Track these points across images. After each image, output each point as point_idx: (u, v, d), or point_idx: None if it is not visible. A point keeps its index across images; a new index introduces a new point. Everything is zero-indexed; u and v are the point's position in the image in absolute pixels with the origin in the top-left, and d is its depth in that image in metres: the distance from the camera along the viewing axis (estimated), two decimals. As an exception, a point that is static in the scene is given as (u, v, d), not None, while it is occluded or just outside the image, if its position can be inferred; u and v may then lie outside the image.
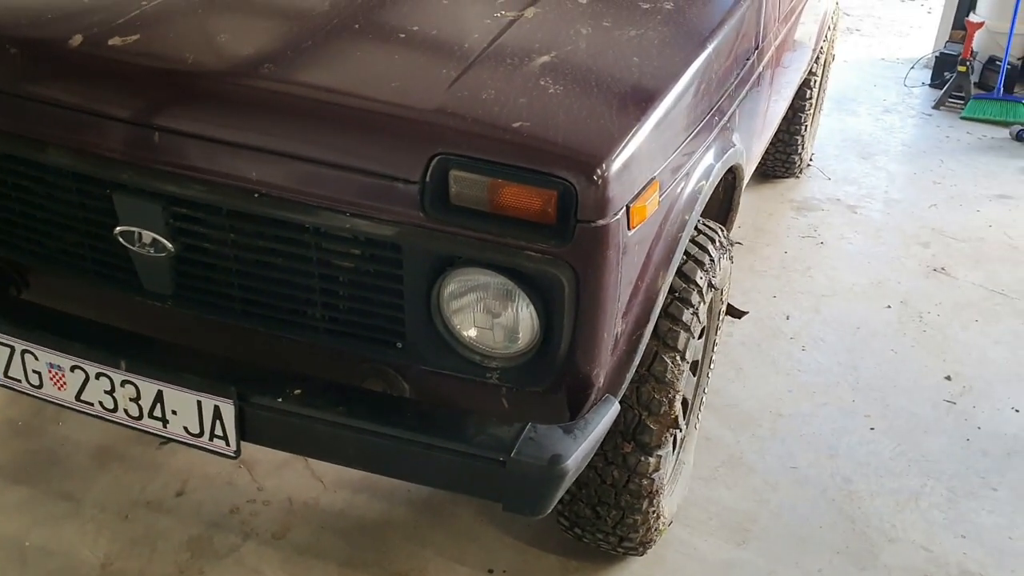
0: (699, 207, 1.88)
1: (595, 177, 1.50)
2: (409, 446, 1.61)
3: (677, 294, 1.92)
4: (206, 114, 1.63)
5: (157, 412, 1.72)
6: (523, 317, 1.61)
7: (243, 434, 1.70)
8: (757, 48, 2.25)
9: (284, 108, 1.62)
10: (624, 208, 1.58)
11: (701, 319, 1.96)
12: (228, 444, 1.70)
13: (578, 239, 1.53)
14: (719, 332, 2.43)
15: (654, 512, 2.03)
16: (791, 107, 3.83)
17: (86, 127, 1.66)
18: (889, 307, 3.34)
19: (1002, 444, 2.69)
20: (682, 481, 2.35)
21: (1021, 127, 4.98)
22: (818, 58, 3.80)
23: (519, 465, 1.56)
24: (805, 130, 3.98)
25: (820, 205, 4.08)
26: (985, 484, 2.53)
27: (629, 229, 1.60)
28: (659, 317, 1.88)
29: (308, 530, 2.28)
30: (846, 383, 2.91)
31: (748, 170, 2.52)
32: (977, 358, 3.07)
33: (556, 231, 1.53)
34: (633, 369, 1.78)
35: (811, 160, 4.43)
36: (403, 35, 1.80)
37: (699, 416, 2.46)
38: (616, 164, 1.53)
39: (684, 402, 2.37)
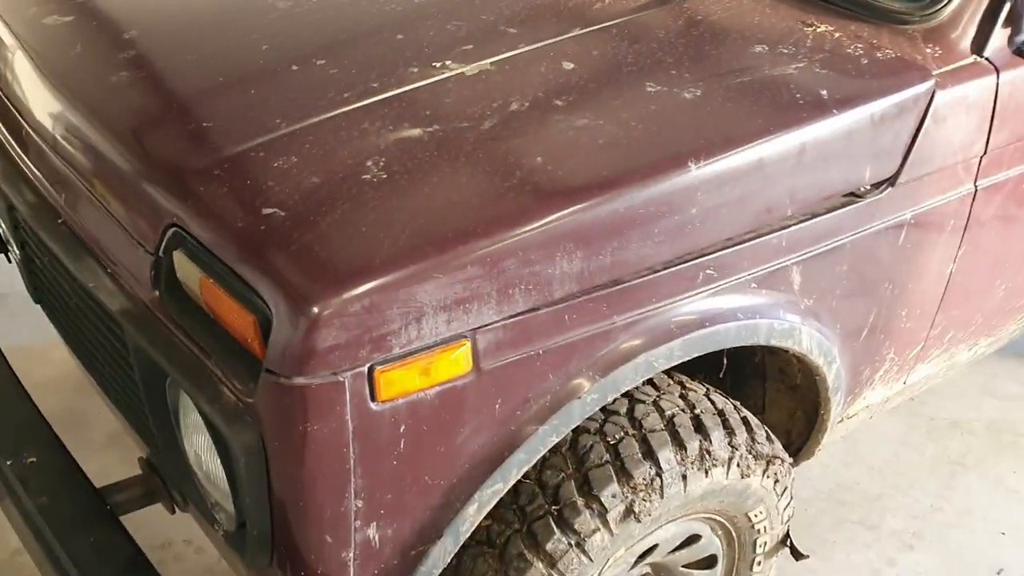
0: (592, 403, 1.24)
1: (300, 309, 1.02)
2: (56, 568, 1.26)
3: (556, 505, 1.30)
4: None
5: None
6: (214, 465, 1.17)
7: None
8: (897, 172, 1.46)
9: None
10: (363, 370, 1.05)
11: (595, 557, 1.31)
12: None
13: (264, 394, 1.05)
14: (757, 568, 1.68)
15: None
16: None
17: None
18: None
19: None
20: None
21: None
22: None
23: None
24: None
25: None
26: None
27: (374, 402, 1.07)
28: (518, 533, 1.30)
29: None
30: None
31: (859, 371, 1.69)
32: None
33: (253, 372, 1.07)
34: (415, 593, 1.23)
35: None
36: (296, 68, 1.40)
37: None
38: (355, 299, 1.03)
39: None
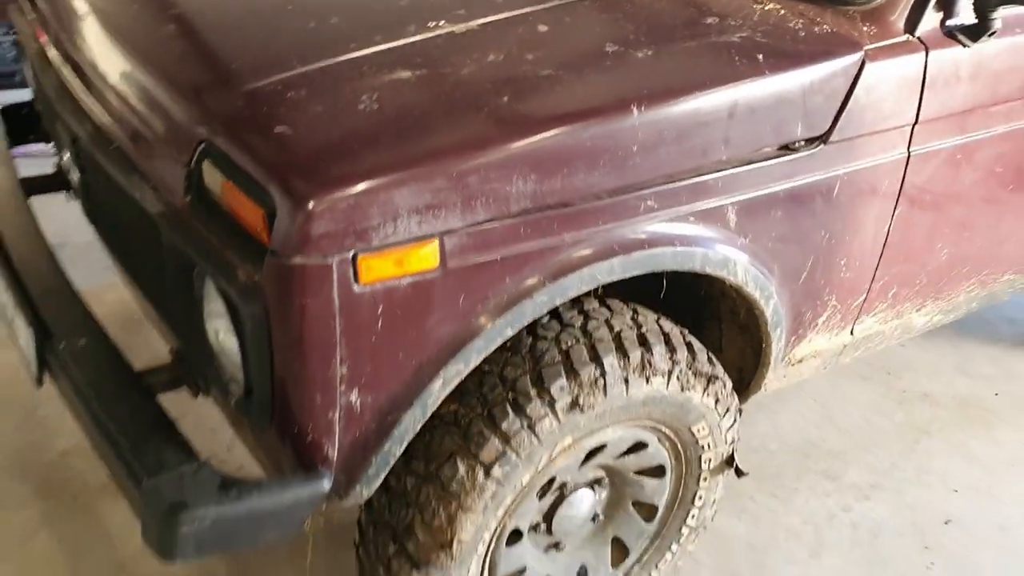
0: (541, 304, 1.48)
1: (299, 203, 1.27)
2: (99, 427, 1.52)
3: (513, 393, 1.54)
4: None
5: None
6: (230, 341, 1.43)
7: (48, 368, 1.74)
8: (828, 132, 1.68)
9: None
10: (348, 256, 1.31)
11: (543, 440, 1.55)
12: (32, 370, 1.76)
13: (268, 272, 1.31)
14: (704, 484, 1.90)
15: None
16: None
17: None
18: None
19: None
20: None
21: None
22: None
23: (148, 493, 1.39)
24: None
25: None
26: None
27: (357, 283, 1.33)
28: (480, 416, 1.54)
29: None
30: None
31: (801, 312, 1.90)
32: None
33: (261, 256, 1.33)
34: (389, 453, 1.49)
35: None
36: (313, 24, 1.66)
37: None
38: (342, 198, 1.29)
39: (619, 543, 1.90)
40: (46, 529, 2.18)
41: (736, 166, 1.61)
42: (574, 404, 1.56)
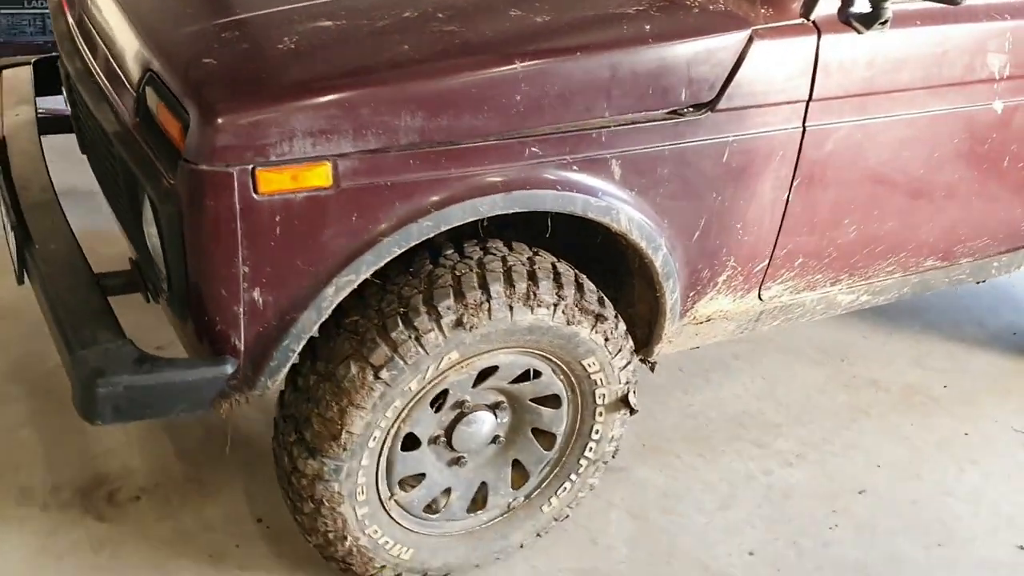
0: (427, 228, 1.69)
1: (207, 118, 1.52)
2: (53, 311, 1.78)
3: (405, 308, 1.76)
4: None
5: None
6: (154, 237, 1.69)
7: (26, 267, 2.02)
8: (715, 100, 1.86)
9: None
10: (248, 168, 1.55)
11: (429, 351, 1.76)
12: (14, 268, 2.04)
13: (181, 176, 1.56)
14: (600, 419, 2.08)
15: (332, 530, 1.88)
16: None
17: None
18: None
19: None
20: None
21: None
22: None
23: (76, 361, 1.64)
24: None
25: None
26: None
27: (256, 193, 1.56)
28: (375, 325, 1.76)
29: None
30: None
31: (698, 269, 2.07)
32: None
33: (177, 163, 1.57)
34: (288, 348, 1.72)
35: None
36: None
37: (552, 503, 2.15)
38: (244, 116, 1.53)
39: (520, 467, 2.09)
40: (31, 424, 2.47)
41: (620, 124, 1.80)
42: (459, 323, 1.76)
